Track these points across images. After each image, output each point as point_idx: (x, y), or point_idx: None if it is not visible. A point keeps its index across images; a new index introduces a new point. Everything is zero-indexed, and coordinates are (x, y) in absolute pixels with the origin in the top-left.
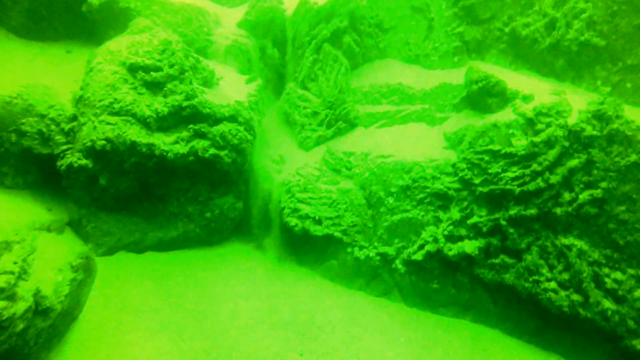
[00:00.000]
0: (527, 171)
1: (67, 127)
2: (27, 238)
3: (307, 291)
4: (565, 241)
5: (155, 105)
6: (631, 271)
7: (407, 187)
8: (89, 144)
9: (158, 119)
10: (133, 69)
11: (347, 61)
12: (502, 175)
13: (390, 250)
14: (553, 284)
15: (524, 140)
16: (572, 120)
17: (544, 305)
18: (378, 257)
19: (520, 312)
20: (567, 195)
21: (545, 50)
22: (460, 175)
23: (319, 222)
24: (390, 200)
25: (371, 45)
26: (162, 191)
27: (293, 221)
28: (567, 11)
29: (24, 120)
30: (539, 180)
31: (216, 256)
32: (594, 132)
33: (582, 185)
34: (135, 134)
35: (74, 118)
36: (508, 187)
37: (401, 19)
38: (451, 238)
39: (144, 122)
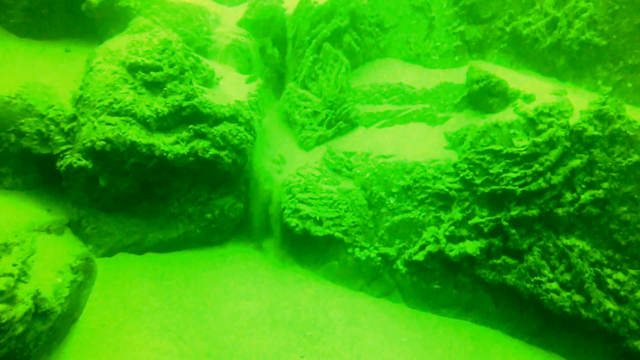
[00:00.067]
0: (529, 171)
1: (66, 127)
2: (26, 239)
3: (307, 292)
4: (567, 242)
5: (155, 105)
6: (633, 272)
7: (408, 188)
8: (88, 144)
9: (158, 119)
10: (133, 68)
11: (348, 60)
12: (503, 175)
13: (392, 251)
14: (555, 285)
15: (526, 140)
16: (573, 120)
17: (546, 306)
18: (379, 258)
19: (522, 312)
20: (568, 196)
21: (547, 50)
22: (461, 175)
23: (319, 222)
24: (391, 200)
25: (372, 45)
26: (162, 192)
27: (294, 222)
28: (568, 11)
29: (23, 121)
30: (541, 180)
31: (217, 257)
32: (596, 132)
33: (583, 186)
34: (135, 134)
35: (73, 118)
36: (509, 187)
37: (402, 18)
38: (452, 238)
39: (143, 122)
